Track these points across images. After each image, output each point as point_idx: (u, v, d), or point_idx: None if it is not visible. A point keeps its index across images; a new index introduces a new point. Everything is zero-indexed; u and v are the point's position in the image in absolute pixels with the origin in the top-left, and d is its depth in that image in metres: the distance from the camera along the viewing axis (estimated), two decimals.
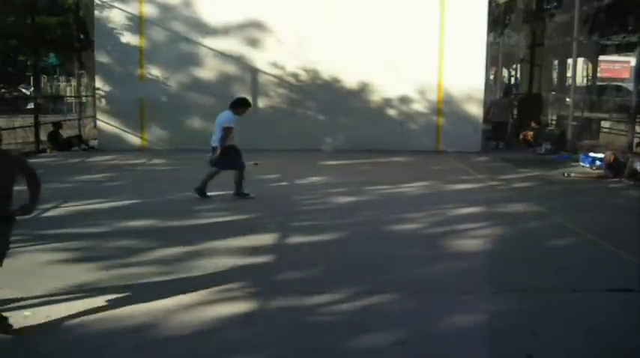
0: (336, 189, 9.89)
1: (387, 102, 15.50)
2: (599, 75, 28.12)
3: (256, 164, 10.38)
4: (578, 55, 17.05)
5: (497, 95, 19.83)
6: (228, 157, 8.92)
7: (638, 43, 13.84)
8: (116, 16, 14.87)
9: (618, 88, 23.45)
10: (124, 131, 15.26)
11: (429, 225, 7.63)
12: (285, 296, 4.93)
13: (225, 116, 9.03)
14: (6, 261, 5.91)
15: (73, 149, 14.99)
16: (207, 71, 15.21)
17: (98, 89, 15.27)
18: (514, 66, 24.97)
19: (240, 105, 9.12)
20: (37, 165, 12.50)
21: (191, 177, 11.34)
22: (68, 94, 23.15)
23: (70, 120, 17.72)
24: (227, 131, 8.88)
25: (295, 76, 15.31)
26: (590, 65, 26.63)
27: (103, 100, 15.21)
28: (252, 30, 15.05)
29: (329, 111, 15.18)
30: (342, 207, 8.69)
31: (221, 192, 9.30)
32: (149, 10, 14.91)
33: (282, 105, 15.18)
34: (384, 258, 6.17)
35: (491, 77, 23.65)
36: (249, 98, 15.42)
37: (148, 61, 15.06)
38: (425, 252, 6.43)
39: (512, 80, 26.10)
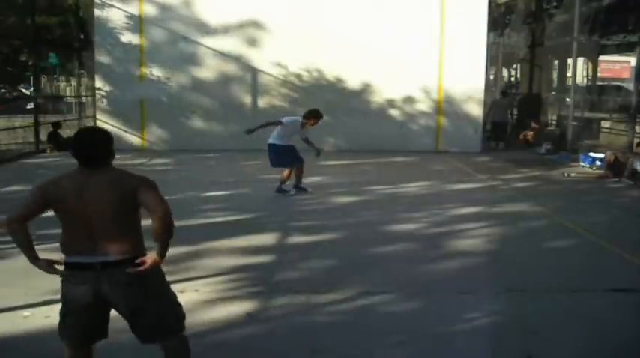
0: (336, 189, 9.89)
1: (388, 103, 15.51)
2: (599, 75, 28.10)
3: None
4: (578, 55, 17.06)
5: (497, 95, 19.83)
6: (288, 155, 9.33)
7: (638, 43, 13.83)
8: (116, 16, 14.86)
9: (618, 88, 23.44)
10: (124, 131, 15.25)
11: (430, 225, 7.63)
12: (285, 296, 4.93)
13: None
14: (6, 261, 5.93)
15: None
16: (208, 71, 15.21)
17: (99, 89, 15.27)
18: (514, 66, 24.96)
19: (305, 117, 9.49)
20: (37, 165, 12.57)
21: (191, 176, 11.36)
22: (68, 94, 23.14)
23: (70, 120, 17.71)
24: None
25: (296, 76, 15.32)
26: (590, 65, 26.61)
27: (105, 100, 15.20)
28: (252, 30, 15.05)
29: (330, 111, 15.12)
30: (343, 207, 8.69)
31: (223, 192, 9.30)
32: (149, 10, 14.91)
33: (284, 105, 15.17)
34: (384, 258, 6.17)
35: (491, 77, 23.63)
36: (250, 97, 15.66)
37: (148, 61, 15.06)
38: (425, 252, 6.43)
39: (513, 80, 26.09)
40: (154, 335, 3.17)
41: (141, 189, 3.01)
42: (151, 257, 3.03)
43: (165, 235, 3.02)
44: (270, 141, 9.36)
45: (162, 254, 3.04)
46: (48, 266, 3.10)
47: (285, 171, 9.43)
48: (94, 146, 3.07)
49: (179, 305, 3.27)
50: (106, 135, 3.17)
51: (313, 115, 9.43)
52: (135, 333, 3.18)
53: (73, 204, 2.98)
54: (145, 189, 3.02)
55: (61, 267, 3.11)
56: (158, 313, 3.12)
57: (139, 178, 3.08)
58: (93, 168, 3.03)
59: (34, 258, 3.08)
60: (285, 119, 9.50)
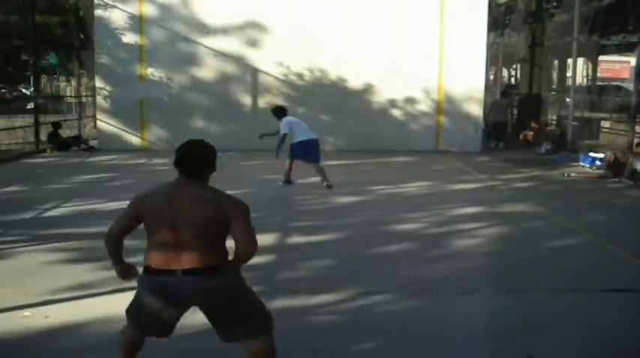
0: (336, 189, 9.89)
1: (388, 103, 15.50)
2: (599, 75, 28.12)
3: None
4: (578, 55, 17.06)
5: (497, 95, 19.85)
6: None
7: (638, 43, 13.84)
8: (116, 16, 14.86)
9: (618, 88, 23.46)
10: (124, 131, 15.26)
11: (430, 225, 7.63)
12: (285, 296, 4.93)
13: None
14: (6, 261, 5.93)
15: (73, 149, 14.98)
16: (208, 71, 15.21)
17: (101, 89, 15.24)
18: (514, 66, 24.97)
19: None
20: (37, 165, 12.58)
21: None
22: (68, 94, 23.16)
23: (70, 120, 17.72)
24: None
25: (297, 75, 15.31)
26: (590, 65, 26.62)
27: (109, 100, 15.19)
28: (253, 30, 15.05)
29: (331, 111, 15.19)
30: (343, 207, 8.69)
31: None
32: (149, 10, 14.91)
33: (284, 104, 15.15)
34: (385, 258, 6.17)
35: (491, 77, 23.64)
36: (250, 97, 15.65)
37: (148, 61, 15.05)
38: (425, 252, 6.43)
39: (512, 80, 26.10)
40: (238, 335, 3.23)
41: (236, 219, 3.08)
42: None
43: (243, 262, 3.20)
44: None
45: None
46: (123, 271, 3.28)
47: (287, 162, 9.99)
48: (196, 157, 3.17)
49: (263, 306, 3.34)
50: (209, 148, 3.24)
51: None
52: (219, 335, 3.26)
53: (165, 214, 3.06)
54: (240, 222, 3.08)
55: (133, 274, 3.28)
56: (241, 315, 3.19)
57: (237, 204, 3.13)
58: (192, 178, 3.13)
59: (115, 262, 3.27)
60: (292, 127, 10.02)
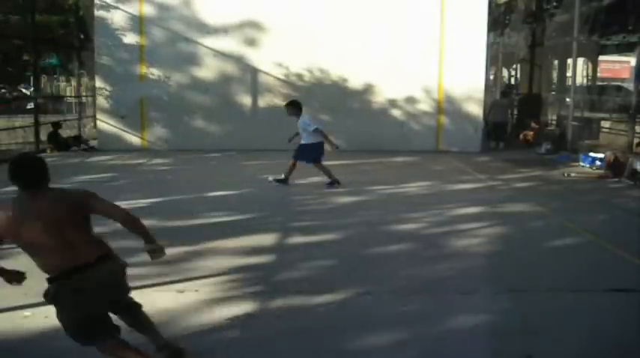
0: (336, 189, 9.89)
1: (388, 103, 15.50)
2: (599, 75, 28.12)
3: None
4: (578, 55, 17.06)
5: (497, 95, 19.85)
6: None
7: (638, 43, 13.84)
8: (116, 16, 14.86)
9: (618, 88, 23.46)
10: (124, 131, 15.26)
11: (430, 225, 7.63)
12: (285, 296, 4.93)
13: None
14: (6, 261, 5.91)
15: (73, 149, 14.99)
16: (208, 71, 15.21)
17: (102, 89, 15.23)
18: (514, 66, 24.97)
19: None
20: None
21: (191, 176, 11.36)
22: (68, 94, 23.15)
23: (70, 120, 17.72)
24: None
25: (297, 76, 15.31)
26: (590, 65, 26.63)
27: (110, 100, 15.18)
28: (252, 30, 15.05)
29: (331, 111, 15.17)
30: (343, 207, 8.69)
31: (224, 192, 9.30)
32: (149, 10, 14.91)
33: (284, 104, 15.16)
34: (385, 258, 6.17)
35: (491, 77, 23.64)
36: (250, 97, 15.66)
37: (148, 61, 15.05)
38: (425, 252, 6.43)
39: (512, 80, 26.11)
40: (133, 308, 3.67)
41: (91, 201, 3.33)
42: (154, 247, 3.48)
43: (139, 226, 3.46)
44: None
45: (151, 238, 3.48)
46: (10, 278, 3.45)
47: (291, 161, 10.00)
48: (35, 171, 3.28)
49: None
50: (41, 160, 3.38)
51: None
52: (122, 315, 3.63)
53: (35, 227, 3.15)
54: (95, 200, 3.34)
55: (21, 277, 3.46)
56: (129, 290, 3.63)
57: (85, 193, 3.38)
58: (35, 188, 3.24)
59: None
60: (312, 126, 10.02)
